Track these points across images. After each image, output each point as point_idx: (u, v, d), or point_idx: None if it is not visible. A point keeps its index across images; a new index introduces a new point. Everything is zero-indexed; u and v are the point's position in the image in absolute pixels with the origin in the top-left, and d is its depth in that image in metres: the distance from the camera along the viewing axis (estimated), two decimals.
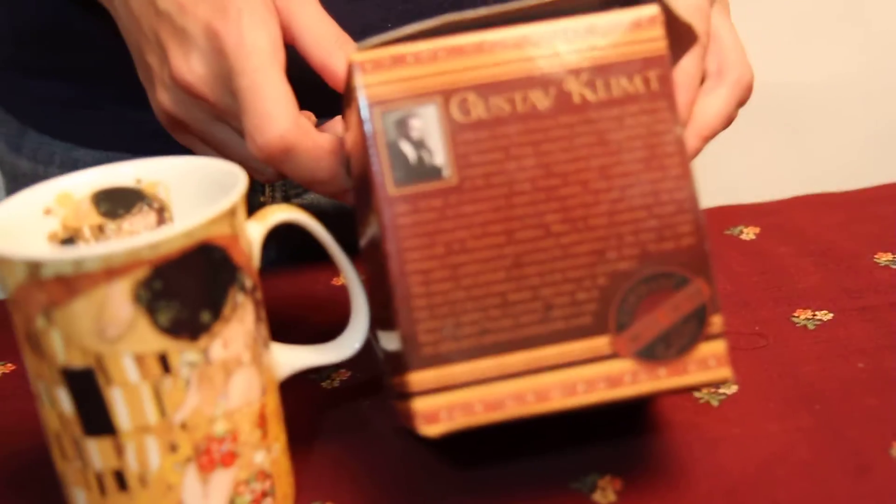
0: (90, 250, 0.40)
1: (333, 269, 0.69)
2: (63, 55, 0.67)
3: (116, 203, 0.48)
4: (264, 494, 0.46)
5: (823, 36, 1.23)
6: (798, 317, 0.58)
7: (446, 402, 0.41)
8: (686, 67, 0.48)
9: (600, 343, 0.42)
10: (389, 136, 0.41)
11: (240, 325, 0.44)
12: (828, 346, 0.55)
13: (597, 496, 0.46)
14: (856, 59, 1.23)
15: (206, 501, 0.44)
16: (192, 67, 0.50)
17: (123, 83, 0.64)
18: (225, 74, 0.50)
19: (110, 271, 0.40)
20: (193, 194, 0.48)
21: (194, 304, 0.42)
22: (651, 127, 0.42)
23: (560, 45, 0.42)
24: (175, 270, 0.41)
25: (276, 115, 0.48)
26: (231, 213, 0.43)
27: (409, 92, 0.42)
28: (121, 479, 0.43)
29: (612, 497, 0.46)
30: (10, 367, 0.62)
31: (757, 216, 0.70)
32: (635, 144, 0.42)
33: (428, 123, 0.42)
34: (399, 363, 0.42)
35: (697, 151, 0.49)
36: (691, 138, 0.48)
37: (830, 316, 0.58)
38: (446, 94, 0.42)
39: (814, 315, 0.58)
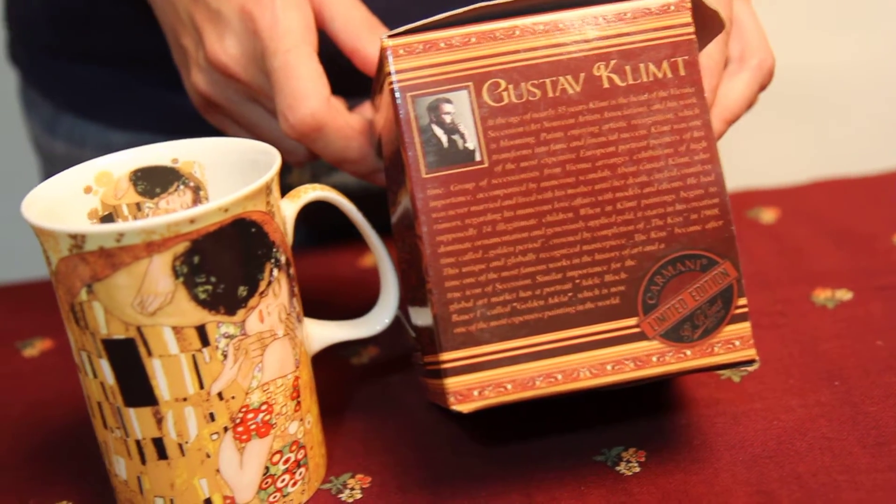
0: (131, 224, 0.41)
1: (359, 250, 0.71)
2: (97, 39, 0.69)
3: (154, 182, 0.50)
4: (298, 464, 0.47)
5: (845, 18, 1.23)
6: (818, 296, 0.59)
7: (478, 380, 0.43)
8: (710, 53, 0.49)
9: (628, 324, 0.43)
10: (422, 121, 0.43)
11: (275, 300, 0.45)
12: (847, 325, 0.56)
13: (621, 468, 0.47)
14: (877, 42, 1.24)
15: (242, 470, 0.45)
16: (226, 48, 0.52)
17: (157, 66, 0.65)
18: (258, 55, 0.51)
19: (150, 245, 0.41)
20: (229, 173, 0.49)
21: (231, 278, 0.43)
22: (678, 112, 0.43)
23: (590, 31, 0.43)
24: (212, 245, 0.42)
25: (307, 94, 0.49)
26: (266, 189, 0.44)
27: (442, 77, 0.43)
28: (160, 448, 0.45)
29: (635, 469, 0.47)
30: (49, 343, 0.64)
31: (776, 199, 0.71)
32: (663, 129, 0.43)
33: (460, 108, 0.43)
34: (432, 342, 0.43)
35: (720, 135, 0.50)
36: (715, 122, 0.49)
37: (850, 295, 0.59)
38: (478, 80, 0.43)
39: (833, 294, 0.59)
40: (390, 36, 0.43)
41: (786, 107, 1.21)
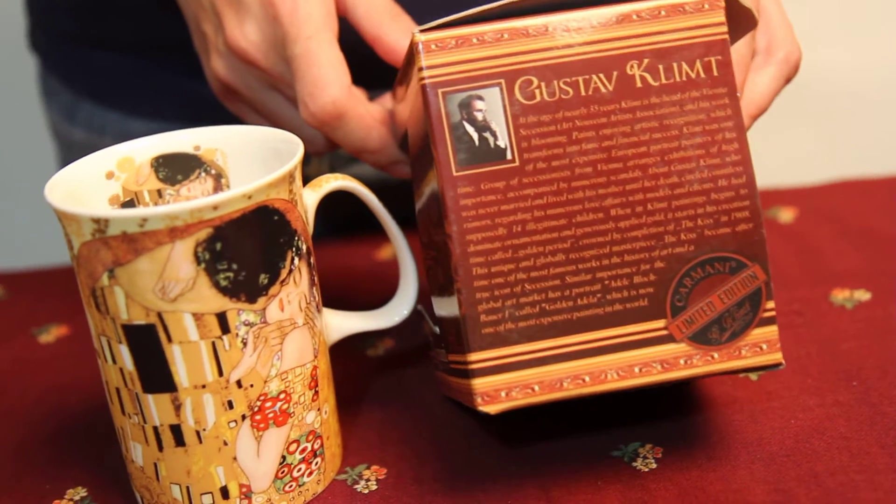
0: (155, 209, 0.41)
1: (375, 243, 0.71)
2: (118, 26, 0.69)
3: (175, 169, 0.50)
4: (314, 454, 0.47)
5: (870, 21, 1.23)
6: (836, 297, 0.59)
7: (505, 381, 0.42)
8: (738, 47, 0.49)
9: (656, 326, 0.43)
10: (453, 118, 0.42)
11: (295, 288, 0.45)
12: (866, 326, 0.56)
13: (637, 464, 0.47)
14: None
15: (259, 458, 0.45)
16: (246, 34, 0.52)
17: (178, 54, 0.65)
18: (279, 42, 0.51)
19: (173, 230, 0.41)
20: (250, 162, 0.49)
21: (253, 265, 0.43)
22: (711, 113, 0.43)
23: (624, 28, 0.43)
24: (235, 231, 0.42)
25: (328, 81, 0.49)
26: (290, 177, 0.44)
27: (474, 74, 0.42)
28: (178, 435, 0.45)
29: (652, 465, 0.47)
30: (64, 329, 0.64)
31: (795, 199, 0.71)
32: (695, 130, 0.43)
33: (492, 105, 0.42)
34: (459, 341, 0.43)
35: (746, 129, 0.50)
36: None
37: (868, 296, 0.58)
38: (510, 77, 0.42)
39: (852, 295, 0.59)
40: (422, 30, 0.42)
41: (807, 106, 1.21)
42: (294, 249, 0.45)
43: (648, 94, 0.43)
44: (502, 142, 0.42)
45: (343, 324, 0.50)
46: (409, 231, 0.53)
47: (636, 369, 0.43)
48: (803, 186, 0.73)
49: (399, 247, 0.51)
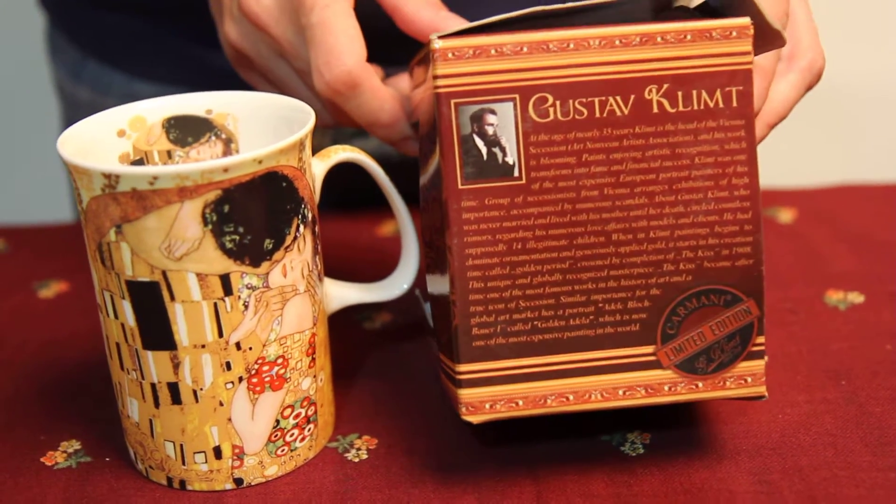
0: (166, 168, 0.42)
1: (377, 219, 0.71)
2: None
3: (186, 131, 0.50)
4: (308, 420, 0.48)
5: (879, 28, 1.24)
6: (830, 298, 0.59)
7: (491, 394, 0.43)
8: (763, 55, 0.48)
9: (644, 351, 0.43)
10: (464, 130, 0.42)
11: (299, 255, 0.45)
12: (857, 327, 0.56)
13: (625, 448, 0.48)
14: None
15: (254, 421, 0.46)
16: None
17: (190, 19, 0.65)
18: (293, 9, 0.51)
19: (183, 190, 0.42)
20: (261, 129, 0.50)
21: (259, 229, 0.44)
22: (725, 144, 0.42)
23: (647, 51, 0.42)
24: (243, 195, 0.43)
25: (344, 50, 0.49)
26: (300, 145, 0.45)
27: (489, 87, 0.42)
28: (175, 393, 0.45)
29: (640, 450, 0.48)
30: (64, 285, 0.64)
31: (795, 200, 0.71)
32: (707, 161, 0.42)
33: (504, 121, 0.42)
34: (450, 348, 0.44)
35: (762, 139, 0.49)
36: (758, 125, 0.49)
37: (862, 299, 0.59)
38: (525, 93, 0.42)
39: (845, 297, 0.59)
40: (441, 36, 0.42)
41: (814, 109, 1.22)
42: (300, 217, 0.45)
43: (664, 121, 0.42)
44: (511, 158, 0.42)
45: (343, 294, 0.51)
46: (413, 207, 0.53)
47: (620, 392, 0.43)
48: (804, 188, 0.73)
49: (403, 222, 0.51)
